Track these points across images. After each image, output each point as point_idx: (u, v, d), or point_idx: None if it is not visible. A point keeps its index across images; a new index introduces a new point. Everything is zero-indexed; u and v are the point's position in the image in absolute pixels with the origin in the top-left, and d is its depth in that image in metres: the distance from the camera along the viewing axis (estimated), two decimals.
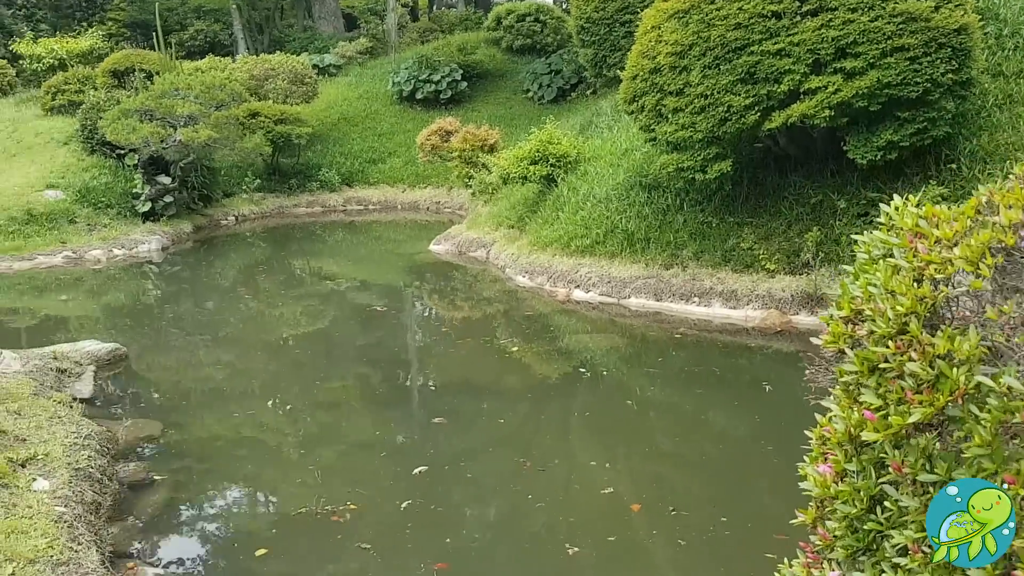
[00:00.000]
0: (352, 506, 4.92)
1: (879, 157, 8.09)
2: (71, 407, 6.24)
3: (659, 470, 5.39)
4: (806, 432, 2.25)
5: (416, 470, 5.36)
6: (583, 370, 7.41)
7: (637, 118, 9.75)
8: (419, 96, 23.36)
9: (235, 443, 6.33)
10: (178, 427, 6.52)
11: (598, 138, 13.91)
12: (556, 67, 22.56)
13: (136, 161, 16.25)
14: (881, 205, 2.11)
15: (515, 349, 8.15)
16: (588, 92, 21.07)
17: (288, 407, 6.98)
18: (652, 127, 9.44)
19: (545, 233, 11.46)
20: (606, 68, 15.60)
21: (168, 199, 16.35)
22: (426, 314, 10.92)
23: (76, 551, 4.03)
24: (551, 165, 12.24)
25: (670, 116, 9.04)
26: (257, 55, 23.91)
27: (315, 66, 24.77)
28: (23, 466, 4.83)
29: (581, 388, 7.03)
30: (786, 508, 4.77)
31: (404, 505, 4.92)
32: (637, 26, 10.28)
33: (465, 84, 23.38)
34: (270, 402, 7.16)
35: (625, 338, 8.70)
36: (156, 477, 5.43)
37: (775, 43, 8.18)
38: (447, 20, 30.49)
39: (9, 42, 26.66)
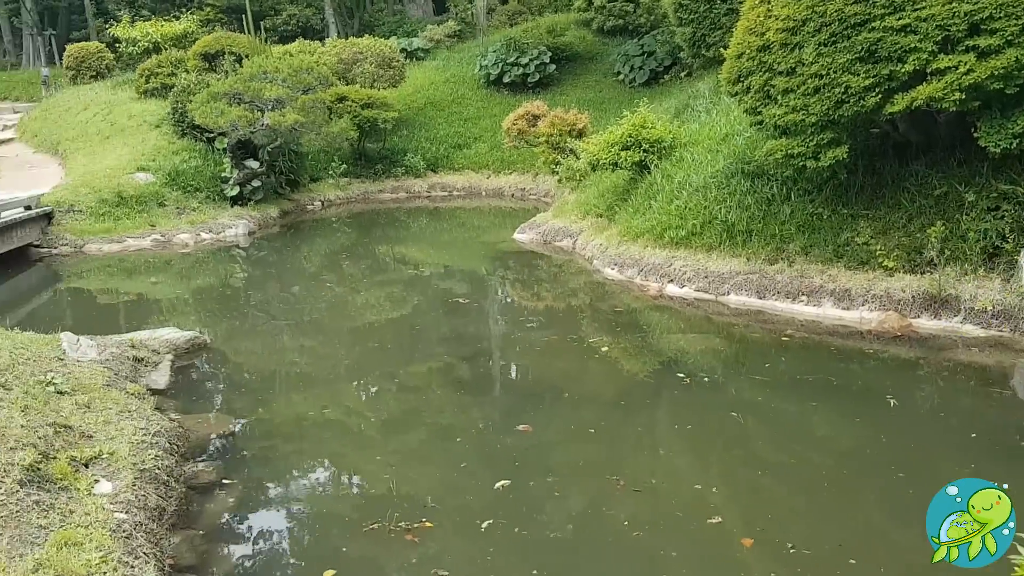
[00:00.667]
0: (428, 524, 4.49)
1: (1014, 145, 7.20)
2: (143, 399, 6.02)
3: (773, 497, 4.77)
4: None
5: (498, 484, 4.90)
6: (681, 375, 6.79)
7: (741, 100, 9.04)
8: (506, 80, 22.90)
9: (309, 444, 6.00)
10: (253, 423, 6.25)
11: (695, 122, 13.14)
12: (649, 48, 21.73)
13: (225, 145, 16.31)
14: None
15: (605, 349, 7.59)
16: (683, 74, 20.21)
17: (366, 407, 6.64)
18: (758, 110, 8.73)
19: (636, 223, 10.84)
20: (705, 48, 14.81)
21: (256, 183, 16.37)
22: (510, 307, 10.46)
23: (132, 567, 3.72)
24: (644, 151, 11.59)
25: (779, 98, 8.32)
26: (347, 39, 23.88)
27: (403, 50, 24.60)
28: (86, 466, 4.58)
29: (680, 396, 6.42)
30: (923, 550, 4.13)
31: (485, 525, 4.46)
32: (740, 2, 9.55)
33: (553, 67, 22.81)
34: (348, 402, 6.84)
35: (725, 339, 8.03)
36: (225, 480, 5.12)
37: (899, 18, 7.37)
38: (537, 2, 29.88)
39: (108, 26, 27.42)
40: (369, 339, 8.88)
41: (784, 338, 7.69)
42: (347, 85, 19.94)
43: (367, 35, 24.08)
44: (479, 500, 4.79)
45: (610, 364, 7.34)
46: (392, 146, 21.13)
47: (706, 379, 6.74)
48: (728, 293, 8.91)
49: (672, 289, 9.42)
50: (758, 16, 8.68)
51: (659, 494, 4.79)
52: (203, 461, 5.38)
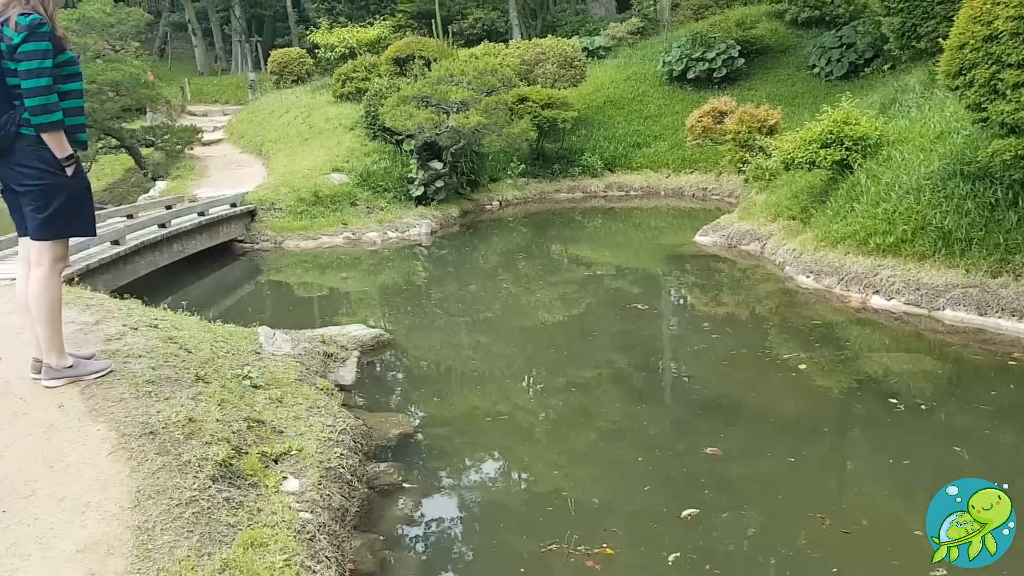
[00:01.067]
0: (608, 550, 4.22)
1: None
2: (331, 396, 6.13)
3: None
4: None
5: (685, 512, 4.54)
6: (893, 400, 6.10)
7: (963, 95, 8.12)
8: (690, 76, 22.22)
9: (487, 449, 5.90)
10: (432, 423, 6.25)
11: (904, 118, 12.04)
12: (848, 40, 20.34)
13: (412, 147, 16.81)
14: None
15: (802, 367, 6.99)
16: (886, 67, 18.76)
17: (542, 414, 6.46)
18: (983, 105, 7.83)
19: (835, 227, 10.04)
20: (915, 38, 13.58)
21: (439, 184, 16.76)
22: (690, 314, 9.98)
23: (314, 571, 3.70)
24: (846, 149, 10.72)
25: (1009, 92, 7.44)
26: (530, 40, 24.05)
27: (585, 49, 24.49)
28: (276, 462, 4.65)
29: (891, 423, 5.75)
30: None
31: (671, 558, 4.12)
32: None
33: (742, 61, 21.88)
34: (524, 406, 6.70)
35: (940, 360, 7.19)
36: (405, 483, 5.09)
37: None
38: None
39: (308, 33, 29.14)
40: (543, 340, 8.75)
41: (1011, 362, 6.78)
42: (529, 86, 20.05)
43: (550, 35, 24.14)
44: (664, 528, 4.46)
45: (808, 383, 6.74)
46: (570, 145, 21.03)
47: (921, 405, 6.02)
48: (943, 308, 8.01)
49: (877, 301, 8.62)
50: (984, 3, 7.80)
51: (872, 538, 4.25)
52: (384, 461, 5.38)
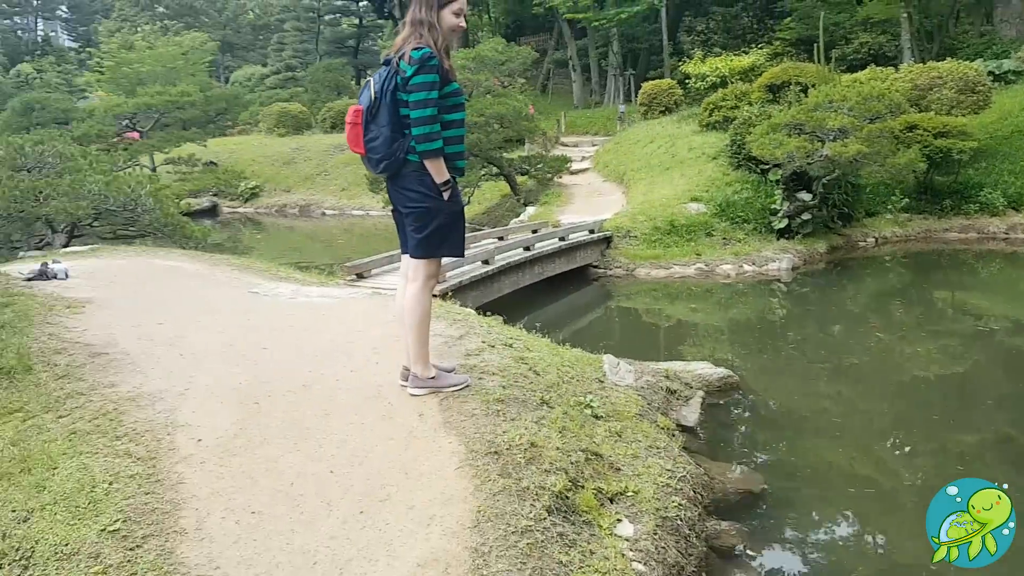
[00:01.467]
0: None
1: None
2: (672, 437, 5.83)
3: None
4: None
5: None
6: None
7: None
8: None
9: (848, 521, 5.18)
10: (782, 482, 5.65)
11: None
12: None
13: (778, 176, 15.98)
14: None
15: None
16: None
17: (913, 483, 5.54)
18: None
19: None
20: None
21: (806, 216, 15.70)
22: None
23: None
24: None
25: None
26: (923, 63, 21.76)
27: (990, 73, 21.51)
28: (611, 501, 4.47)
29: None
30: None
31: None
32: None
33: None
34: (891, 476, 5.81)
35: None
36: (749, 550, 4.61)
37: None
38: None
39: (680, 64, 29.34)
40: (916, 397, 7.65)
41: None
42: (920, 112, 18.06)
43: (948, 58, 21.57)
44: None
45: None
46: (966, 179, 18.50)
47: None
48: None
49: None
50: None
51: None
52: (726, 520, 4.95)
